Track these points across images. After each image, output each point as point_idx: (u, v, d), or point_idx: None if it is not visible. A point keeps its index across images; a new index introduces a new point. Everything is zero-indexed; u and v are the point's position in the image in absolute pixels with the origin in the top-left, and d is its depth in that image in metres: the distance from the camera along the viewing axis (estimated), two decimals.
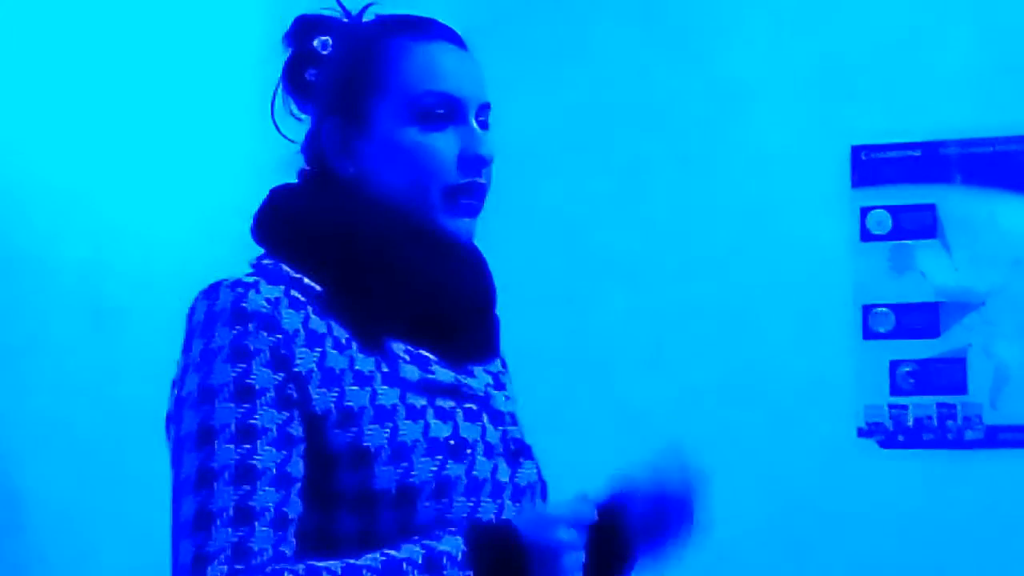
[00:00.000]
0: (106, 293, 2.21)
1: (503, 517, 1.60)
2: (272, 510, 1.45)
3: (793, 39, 3.28)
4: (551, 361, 3.17)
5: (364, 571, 1.45)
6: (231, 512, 1.44)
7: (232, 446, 1.46)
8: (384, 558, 1.46)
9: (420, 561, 1.46)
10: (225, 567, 1.42)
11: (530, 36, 3.38)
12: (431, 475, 1.52)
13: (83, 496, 2.14)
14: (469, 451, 1.57)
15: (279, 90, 1.71)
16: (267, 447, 1.47)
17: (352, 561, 1.46)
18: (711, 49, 3.34)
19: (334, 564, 1.46)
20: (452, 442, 1.55)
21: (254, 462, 1.46)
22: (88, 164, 2.22)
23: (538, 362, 2.88)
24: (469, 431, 1.58)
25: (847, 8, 3.26)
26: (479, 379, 1.65)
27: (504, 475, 1.61)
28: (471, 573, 1.47)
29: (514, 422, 1.69)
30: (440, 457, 1.53)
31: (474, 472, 1.56)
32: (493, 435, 1.61)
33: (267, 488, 1.46)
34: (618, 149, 3.36)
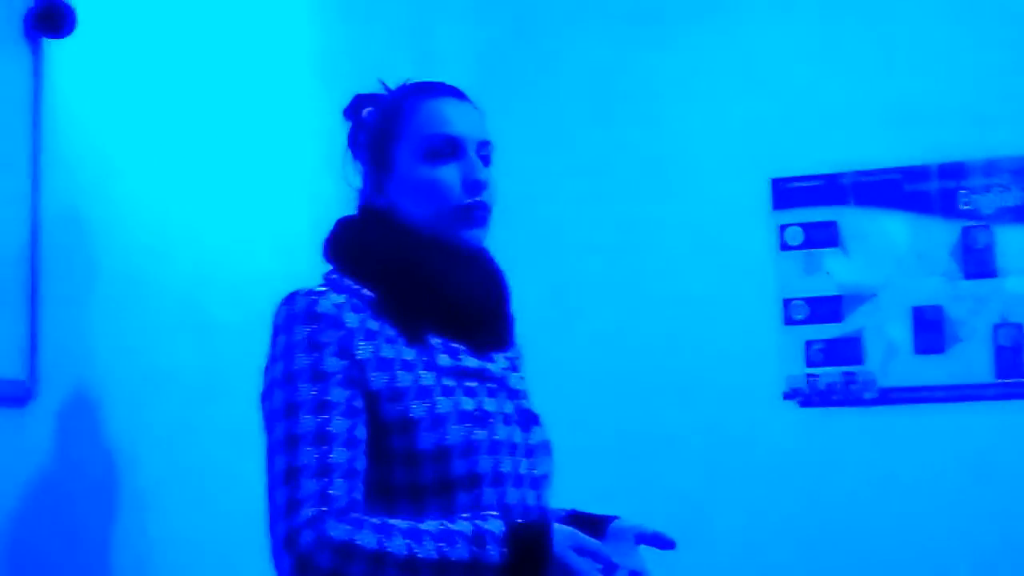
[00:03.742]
0: (206, 308, 2.16)
1: (520, 471, 1.67)
2: (344, 464, 1.54)
3: (728, 103, 3.44)
4: (548, 350, 3.01)
5: (425, 534, 1.52)
6: (314, 467, 1.52)
7: (312, 416, 1.54)
8: (441, 526, 1.53)
9: (469, 533, 1.52)
10: (313, 509, 1.50)
11: (516, 111, 3.47)
12: (461, 438, 1.61)
13: (195, 485, 2.06)
14: (491, 420, 1.65)
15: (346, 152, 1.83)
16: (338, 417, 1.55)
17: (416, 524, 1.53)
18: (670, 108, 3.50)
19: (402, 522, 1.53)
20: (477, 413, 1.64)
21: (329, 428, 1.54)
22: (190, 203, 2.15)
23: (541, 349, 3.13)
24: (490, 404, 1.67)
25: (766, 75, 3.43)
26: (498, 364, 1.73)
27: (519, 438, 1.69)
28: (507, 550, 1.52)
29: (526, 396, 1.76)
30: (468, 425, 1.62)
31: (495, 436, 1.64)
32: (509, 407, 1.70)
33: (340, 448, 1.54)
34: (605, 188, 3.52)
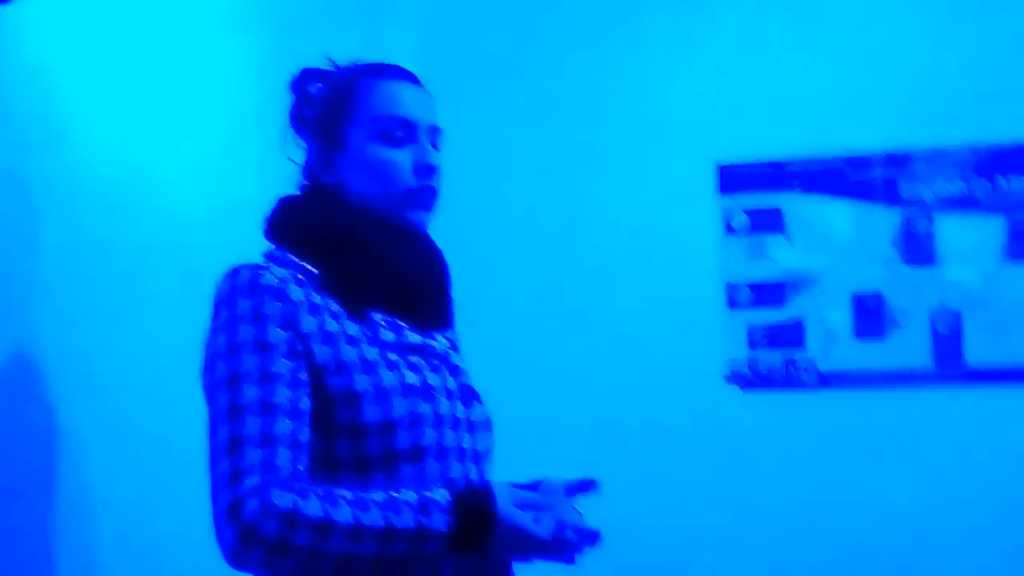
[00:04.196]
0: (147, 277, 2.14)
1: (464, 446, 1.70)
2: (289, 435, 1.53)
3: (676, 88, 3.45)
4: (492, 332, 3.21)
5: (371, 503, 1.53)
6: (258, 436, 1.51)
7: (255, 387, 1.54)
8: (387, 496, 1.55)
9: (414, 502, 1.54)
10: (257, 478, 1.49)
11: (478, 87, 3.52)
12: (406, 411, 1.62)
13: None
14: (435, 394, 1.66)
15: (287, 126, 1.83)
16: (282, 387, 1.55)
17: (362, 493, 1.54)
18: (617, 92, 3.50)
19: (347, 492, 1.54)
20: (421, 387, 1.65)
21: (273, 399, 1.54)
22: (134, 169, 2.13)
23: (485, 334, 3.06)
24: (434, 379, 1.68)
25: (714, 60, 3.43)
26: (440, 342, 1.76)
27: (461, 413, 1.71)
28: (453, 519, 1.54)
29: (466, 374, 1.79)
30: (413, 398, 1.63)
31: (439, 410, 1.66)
32: (452, 383, 1.72)
33: (284, 418, 1.53)
34: (551, 172, 3.51)
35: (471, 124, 3.33)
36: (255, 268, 1.61)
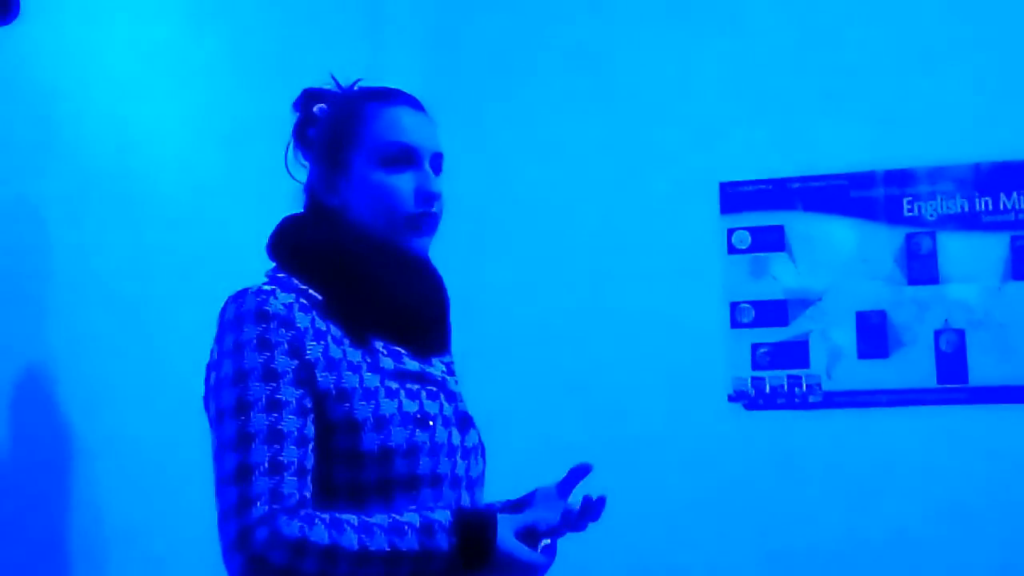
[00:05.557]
0: (150, 299, 2.11)
1: (458, 473, 1.72)
2: (296, 463, 1.55)
3: (679, 106, 3.46)
4: (499, 352, 3.35)
5: (375, 527, 1.55)
6: (266, 465, 1.53)
7: (263, 415, 1.55)
8: (391, 519, 1.57)
9: (417, 524, 1.57)
10: (266, 507, 1.51)
11: (480, 113, 3.54)
12: (404, 439, 1.63)
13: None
14: (431, 422, 1.68)
15: (290, 145, 1.85)
16: (290, 416, 1.56)
17: (366, 518, 1.57)
18: (620, 111, 3.51)
19: (352, 517, 1.56)
20: (419, 416, 1.66)
21: (281, 427, 1.55)
22: (132, 197, 2.11)
23: (488, 353, 3.17)
24: (431, 407, 1.69)
25: (716, 79, 3.43)
26: (436, 368, 1.77)
27: (456, 440, 1.73)
28: (455, 539, 1.57)
29: (462, 400, 1.80)
30: (411, 427, 1.65)
31: (436, 438, 1.68)
32: (448, 409, 1.73)
33: (292, 447, 1.55)
34: (554, 191, 3.51)
35: (469, 143, 3.35)
36: (261, 293, 1.61)
